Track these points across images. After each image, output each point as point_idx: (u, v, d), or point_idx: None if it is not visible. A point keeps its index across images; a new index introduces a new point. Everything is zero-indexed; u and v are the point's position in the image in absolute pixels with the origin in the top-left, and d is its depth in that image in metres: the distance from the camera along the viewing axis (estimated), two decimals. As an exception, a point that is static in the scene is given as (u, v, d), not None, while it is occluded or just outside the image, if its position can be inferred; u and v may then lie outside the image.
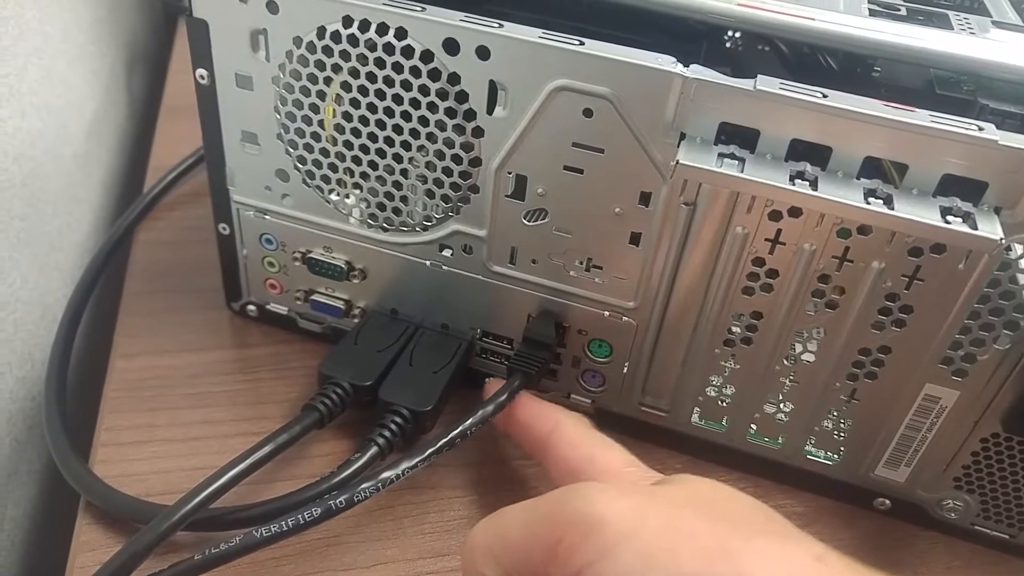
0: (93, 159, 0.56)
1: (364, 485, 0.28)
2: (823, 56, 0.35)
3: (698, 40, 0.37)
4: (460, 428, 0.30)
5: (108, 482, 0.31)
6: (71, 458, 0.31)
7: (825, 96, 0.25)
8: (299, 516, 0.26)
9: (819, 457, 0.33)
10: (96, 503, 0.30)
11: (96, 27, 0.59)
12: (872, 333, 0.28)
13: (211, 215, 0.44)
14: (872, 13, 0.32)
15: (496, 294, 0.33)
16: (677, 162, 0.26)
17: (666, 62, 0.26)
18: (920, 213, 0.24)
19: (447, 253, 0.33)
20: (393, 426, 0.31)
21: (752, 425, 0.33)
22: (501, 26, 0.27)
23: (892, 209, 0.24)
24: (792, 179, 0.25)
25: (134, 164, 0.67)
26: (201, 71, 0.31)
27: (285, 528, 0.26)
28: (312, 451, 0.33)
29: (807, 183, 0.25)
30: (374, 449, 0.30)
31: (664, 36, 0.35)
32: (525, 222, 0.31)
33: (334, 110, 0.30)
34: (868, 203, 0.24)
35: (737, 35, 0.39)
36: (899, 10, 0.33)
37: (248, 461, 0.28)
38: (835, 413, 0.32)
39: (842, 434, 0.32)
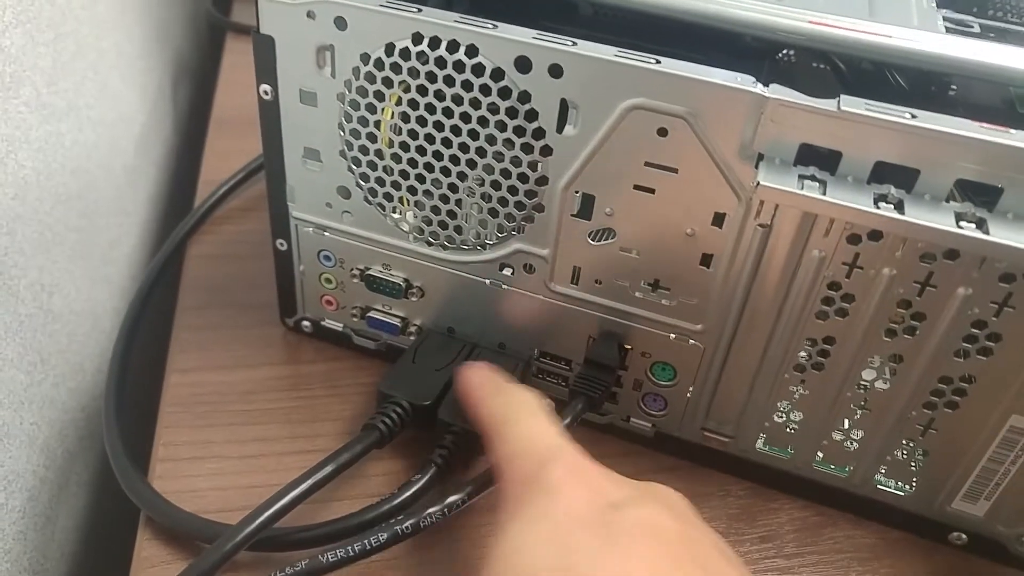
0: (141, 172, 0.57)
1: (431, 510, 0.27)
2: (892, 74, 0.34)
3: (753, 57, 0.36)
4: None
5: (167, 498, 0.30)
6: (132, 474, 0.31)
7: (914, 116, 0.24)
8: (365, 541, 0.26)
9: (890, 487, 0.32)
10: (157, 520, 0.30)
11: (146, 43, 0.60)
12: (954, 361, 0.27)
13: (262, 229, 0.44)
14: (947, 30, 0.31)
15: (557, 314, 0.32)
16: (758, 183, 0.25)
17: (745, 81, 0.25)
18: (1017, 238, 0.23)
19: (507, 272, 0.32)
20: (452, 447, 0.31)
21: (819, 452, 0.32)
22: (575, 44, 0.26)
23: (987, 234, 0.23)
24: (876, 202, 0.25)
25: (179, 177, 0.68)
26: (265, 87, 0.31)
27: (352, 553, 0.26)
28: (368, 470, 0.33)
29: (891, 206, 0.24)
30: (433, 470, 0.30)
31: (720, 53, 0.35)
32: (590, 242, 0.30)
33: (400, 128, 0.30)
34: (960, 227, 0.24)
35: (790, 52, 0.38)
36: (972, 27, 0.33)
37: (310, 481, 0.28)
38: (909, 443, 0.31)
39: (916, 464, 0.31)
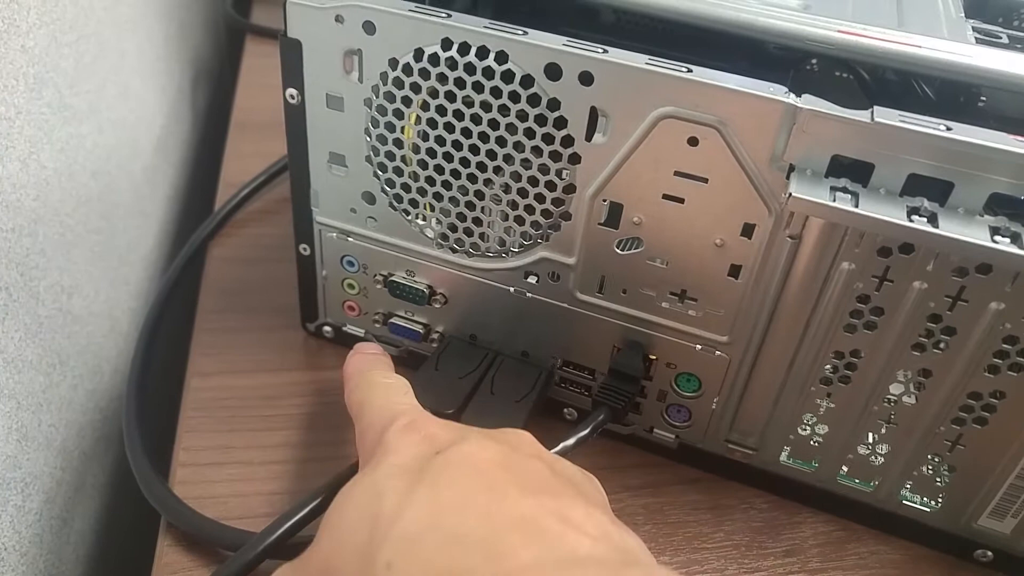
0: (159, 173, 0.57)
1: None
2: (919, 84, 0.34)
3: (777, 66, 0.36)
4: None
5: (188, 504, 0.30)
6: (154, 480, 0.31)
7: (949, 128, 0.24)
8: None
9: (916, 503, 0.31)
10: (179, 526, 0.30)
11: (166, 44, 0.60)
12: (985, 377, 0.27)
13: (282, 233, 0.44)
14: (977, 41, 0.31)
15: (581, 323, 0.32)
16: (790, 195, 0.25)
17: (778, 91, 0.25)
18: (1055, 254, 0.23)
19: (532, 280, 0.32)
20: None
21: (844, 466, 0.32)
22: (606, 51, 0.26)
23: (1022, 249, 0.23)
24: (909, 215, 0.24)
25: (198, 178, 0.68)
26: (291, 91, 0.31)
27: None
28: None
29: (925, 220, 0.24)
30: (457, 479, 0.30)
31: (743, 61, 0.35)
32: (617, 251, 0.30)
33: (427, 133, 0.30)
34: (995, 242, 0.23)
35: (814, 61, 0.38)
36: (1000, 37, 0.32)
37: (333, 489, 0.28)
38: (936, 458, 0.30)
39: (942, 480, 0.30)
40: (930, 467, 0.31)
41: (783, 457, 0.32)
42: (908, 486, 0.31)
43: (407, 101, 0.29)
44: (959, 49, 0.29)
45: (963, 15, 0.34)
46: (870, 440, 0.31)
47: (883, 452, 0.31)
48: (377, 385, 0.28)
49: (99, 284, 0.46)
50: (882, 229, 0.25)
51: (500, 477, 0.21)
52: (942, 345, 0.27)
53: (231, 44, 0.80)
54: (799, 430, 0.32)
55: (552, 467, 0.23)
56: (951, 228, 0.24)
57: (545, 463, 0.23)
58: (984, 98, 0.31)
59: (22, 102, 0.36)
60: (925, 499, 0.31)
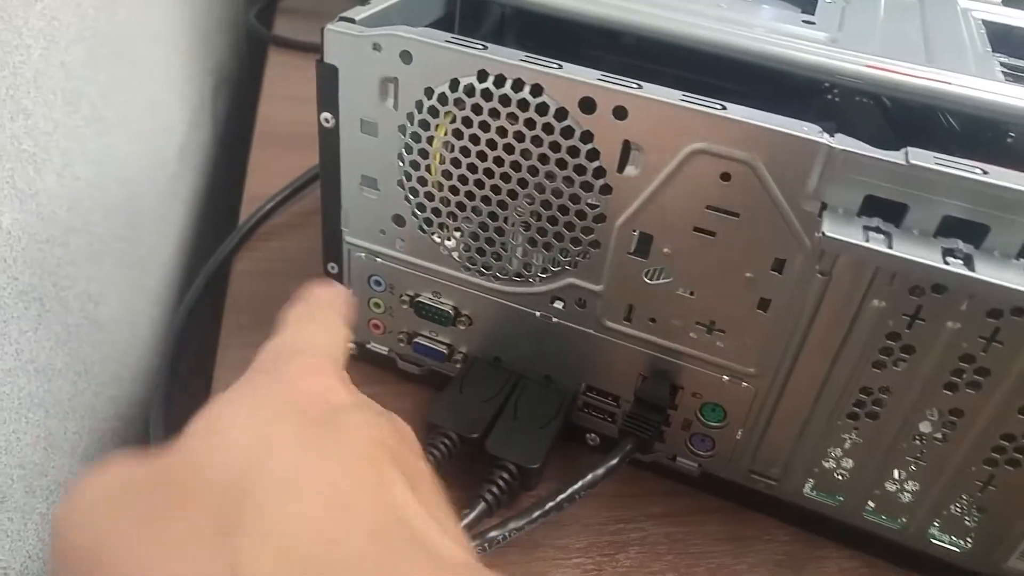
0: (181, 181, 0.57)
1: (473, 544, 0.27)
2: (945, 117, 0.34)
3: (798, 94, 0.36)
4: (569, 492, 0.29)
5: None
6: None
7: (985, 172, 0.24)
8: None
9: (944, 542, 0.31)
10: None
11: (190, 54, 0.60)
12: (1019, 419, 0.27)
13: (307, 247, 0.44)
14: (1004, 76, 0.31)
15: (607, 350, 0.32)
16: (823, 234, 0.25)
17: (812, 131, 0.25)
18: (1093, 302, 0.23)
19: (558, 305, 0.32)
20: (501, 482, 0.30)
21: (870, 502, 0.32)
22: (640, 87, 0.26)
23: (1061, 296, 0.23)
24: (944, 257, 0.24)
25: (218, 184, 0.68)
26: (326, 115, 0.31)
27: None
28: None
29: (960, 262, 0.24)
30: (482, 506, 0.30)
31: (767, 88, 0.35)
32: (646, 280, 0.30)
33: (459, 161, 0.30)
34: (1034, 287, 0.23)
35: (835, 89, 0.38)
36: (1026, 73, 0.32)
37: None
38: (967, 497, 0.30)
39: (972, 520, 0.30)
40: (960, 506, 0.30)
41: (807, 489, 0.32)
42: (937, 524, 0.31)
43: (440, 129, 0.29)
44: (989, 86, 0.29)
45: (990, 49, 0.34)
46: (897, 476, 0.31)
47: (912, 489, 0.31)
48: (310, 317, 0.25)
49: (123, 291, 0.46)
50: (916, 271, 0.24)
51: (387, 461, 0.19)
52: (975, 385, 0.27)
53: (253, 54, 0.80)
54: (824, 463, 0.31)
55: (431, 477, 0.21)
56: (987, 271, 0.24)
57: (424, 467, 0.21)
58: (1012, 134, 0.31)
59: (60, 116, 0.37)
60: (954, 538, 0.31)
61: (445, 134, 0.30)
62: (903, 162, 0.24)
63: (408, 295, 0.35)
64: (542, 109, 0.27)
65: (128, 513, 0.18)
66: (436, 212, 0.32)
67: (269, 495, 0.17)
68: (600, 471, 0.30)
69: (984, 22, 0.36)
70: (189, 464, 0.18)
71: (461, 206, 0.31)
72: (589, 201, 0.29)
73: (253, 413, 0.19)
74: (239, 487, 0.17)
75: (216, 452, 0.18)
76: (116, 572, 0.17)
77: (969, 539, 0.31)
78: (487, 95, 0.28)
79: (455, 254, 0.33)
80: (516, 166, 0.29)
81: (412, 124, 0.30)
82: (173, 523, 0.17)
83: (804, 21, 0.33)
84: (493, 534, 0.28)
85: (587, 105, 0.27)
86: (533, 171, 0.29)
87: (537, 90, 0.27)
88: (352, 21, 0.30)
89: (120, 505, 0.18)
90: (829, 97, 0.38)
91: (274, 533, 0.17)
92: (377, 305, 0.36)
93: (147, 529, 0.17)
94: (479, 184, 0.30)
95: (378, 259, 0.35)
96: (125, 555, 0.17)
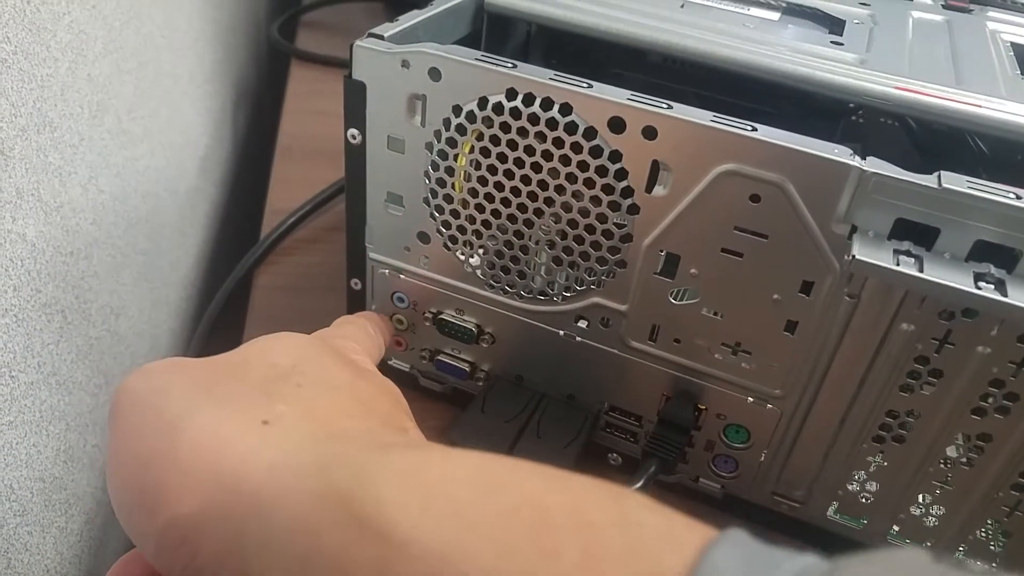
0: (201, 194, 0.58)
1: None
2: (973, 139, 0.34)
3: (824, 113, 0.36)
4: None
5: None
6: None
7: (1019, 197, 0.24)
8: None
9: (970, 567, 0.31)
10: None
11: (213, 67, 0.61)
12: (1048, 446, 0.26)
13: (328, 262, 0.44)
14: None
15: (631, 370, 0.32)
16: (853, 257, 0.25)
17: (843, 153, 0.25)
18: None
19: (582, 324, 0.32)
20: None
21: (895, 526, 0.31)
22: (670, 107, 0.26)
23: (1096, 323, 0.23)
24: (976, 282, 0.24)
25: (237, 197, 0.69)
26: (353, 131, 0.32)
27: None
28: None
29: (992, 286, 0.24)
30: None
31: (793, 108, 0.35)
32: (672, 300, 0.30)
33: (486, 179, 0.30)
34: (1067, 314, 0.23)
35: (859, 111, 0.38)
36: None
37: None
38: (992, 522, 0.30)
39: (999, 545, 0.30)
40: (986, 531, 0.30)
41: (830, 512, 0.32)
42: (962, 549, 0.31)
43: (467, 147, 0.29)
44: (1020, 109, 0.29)
45: (1019, 72, 0.34)
46: (923, 500, 0.30)
47: (937, 514, 0.30)
48: (358, 324, 0.32)
49: (143, 304, 0.46)
50: (948, 295, 0.24)
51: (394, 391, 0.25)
52: (1004, 410, 0.27)
53: (274, 67, 0.81)
54: (848, 486, 0.31)
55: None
56: (1020, 297, 0.24)
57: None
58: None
59: (85, 129, 0.37)
60: (980, 563, 0.31)
61: (472, 152, 0.30)
62: (935, 185, 0.24)
63: (431, 312, 0.35)
64: (571, 128, 0.27)
65: (189, 374, 0.22)
66: (461, 230, 0.32)
67: (310, 383, 0.22)
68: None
69: (1013, 44, 0.36)
70: (252, 353, 0.23)
71: (487, 224, 0.31)
72: (616, 221, 0.29)
73: (300, 340, 0.24)
74: (287, 374, 0.22)
75: (272, 351, 0.23)
76: (169, 413, 0.20)
77: (994, 565, 0.30)
78: (516, 113, 0.28)
79: (479, 272, 0.33)
80: (543, 185, 0.29)
81: (439, 141, 0.30)
82: (229, 384, 0.21)
83: (832, 42, 0.33)
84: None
85: (616, 125, 0.27)
86: (560, 190, 0.29)
87: (566, 109, 0.27)
88: (381, 38, 0.30)
89: (183, 367, 0.22)
90: (854, 119, 0.38)
91: (308, 408, 0.21)
92: (400, 322, 0.36)
93: (203, 387, 0.21)
94: (505, 202, 0.30)
95: (402, 276, 0.35)
96: (179, 398, 0.20)
